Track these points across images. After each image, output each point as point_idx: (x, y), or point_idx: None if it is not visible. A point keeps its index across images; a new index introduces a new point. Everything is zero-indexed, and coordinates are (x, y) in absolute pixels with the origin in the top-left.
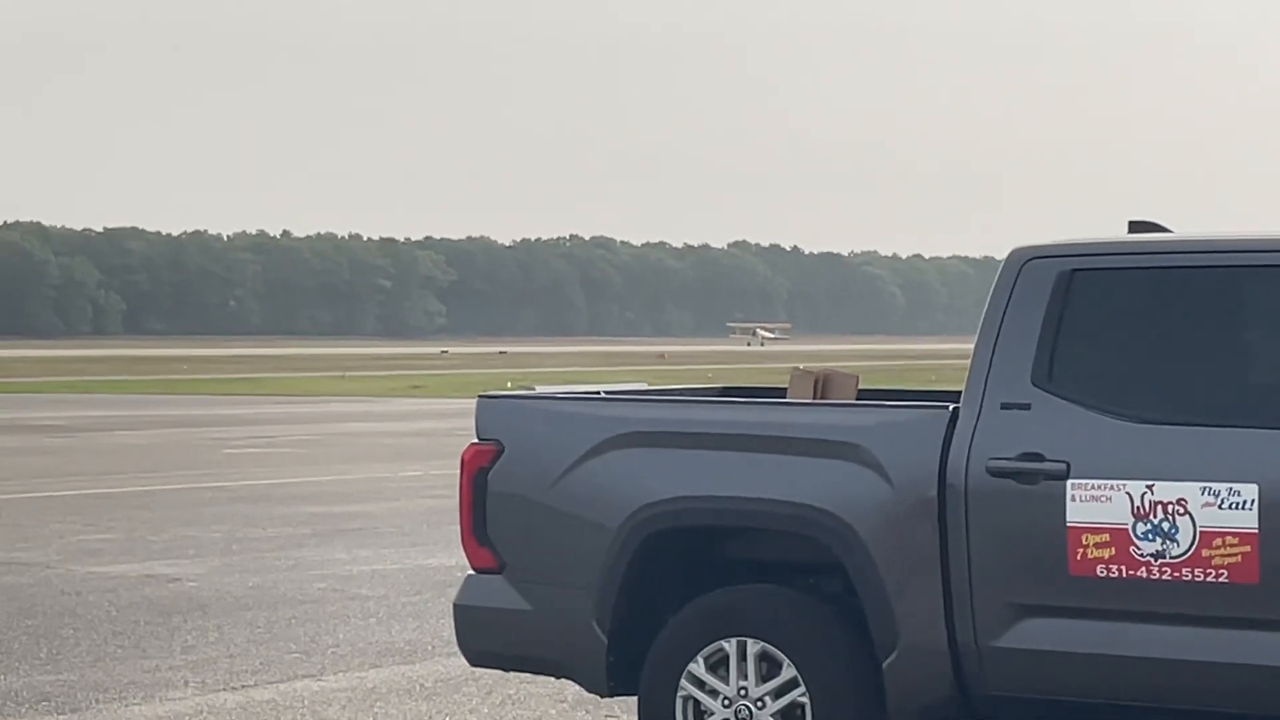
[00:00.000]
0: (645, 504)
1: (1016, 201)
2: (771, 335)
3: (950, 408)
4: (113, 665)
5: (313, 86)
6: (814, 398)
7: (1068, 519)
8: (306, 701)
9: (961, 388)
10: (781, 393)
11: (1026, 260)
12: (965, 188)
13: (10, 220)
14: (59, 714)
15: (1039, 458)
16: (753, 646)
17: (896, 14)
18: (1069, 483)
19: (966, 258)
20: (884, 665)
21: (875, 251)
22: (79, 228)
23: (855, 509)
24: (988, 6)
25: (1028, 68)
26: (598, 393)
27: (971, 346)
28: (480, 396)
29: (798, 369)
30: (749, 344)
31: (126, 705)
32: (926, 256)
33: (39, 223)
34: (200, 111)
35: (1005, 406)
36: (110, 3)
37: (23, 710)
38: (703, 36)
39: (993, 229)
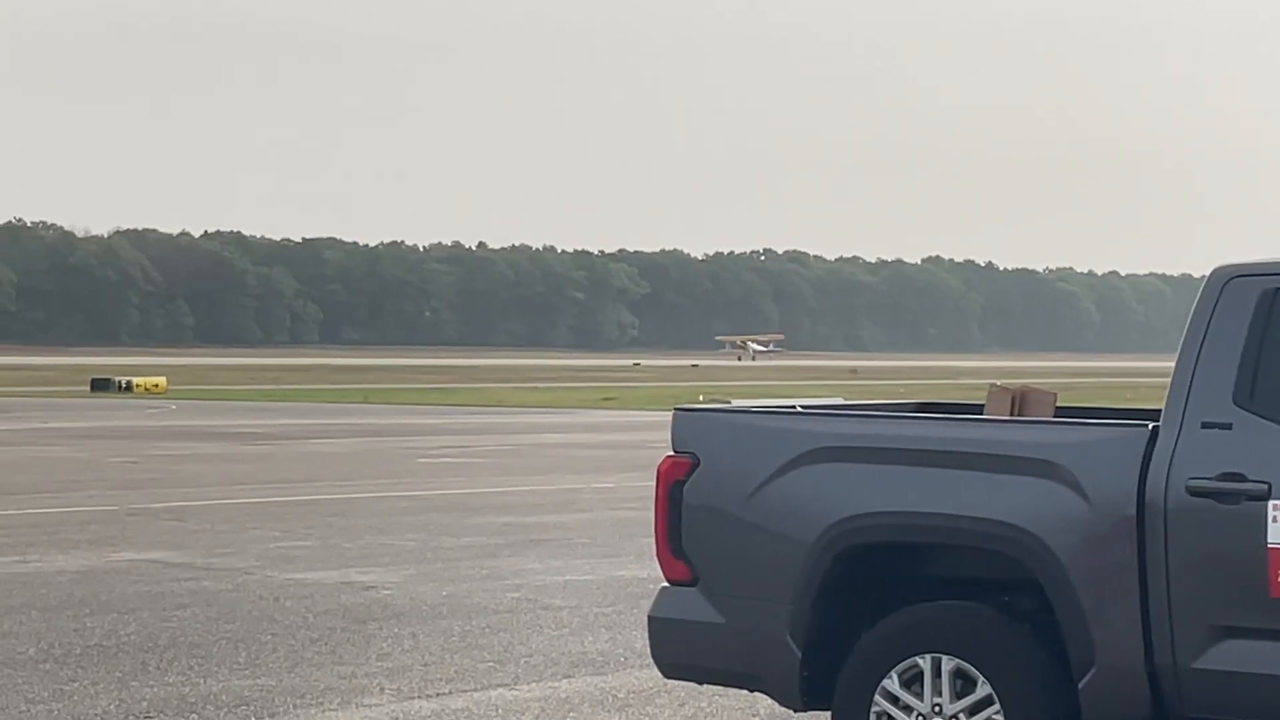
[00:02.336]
0: (840, 519)
1: (1217, 219)
2: (763, 349)
3: (1150, 426)
4: (309, 671)
5: (511, 98)
6: (1011, 414)
7: (1269, 540)
8: (500, 710)
9: (1160, 406)
10: (978, 409)
11: (1229, 279)
12: (1164, 205)
13: (211, 230)
14: (256, 718)
15: (1240, 478)
16: (947, 663)
17: (1089, 24)
18: (1270, 504)
19: (1164, 275)
20: (1080, 685)
21: (1071, 268)
22: (278, 238)
23: (1052, 527)
24: (1190, 12)
25: (1231, 81)
26: (793, 407)
27: (1168, 365)
28: (677, 409)
29: (995, 385)
30: (739, 358)
31: (323, 711)
32: (1123, 274)
33: (239, 232)
34: (397, 123)
35: (1206, 426)
36: (307, 15)
37: (221, 714)
38: (883, 50)
39: (1191, 247)
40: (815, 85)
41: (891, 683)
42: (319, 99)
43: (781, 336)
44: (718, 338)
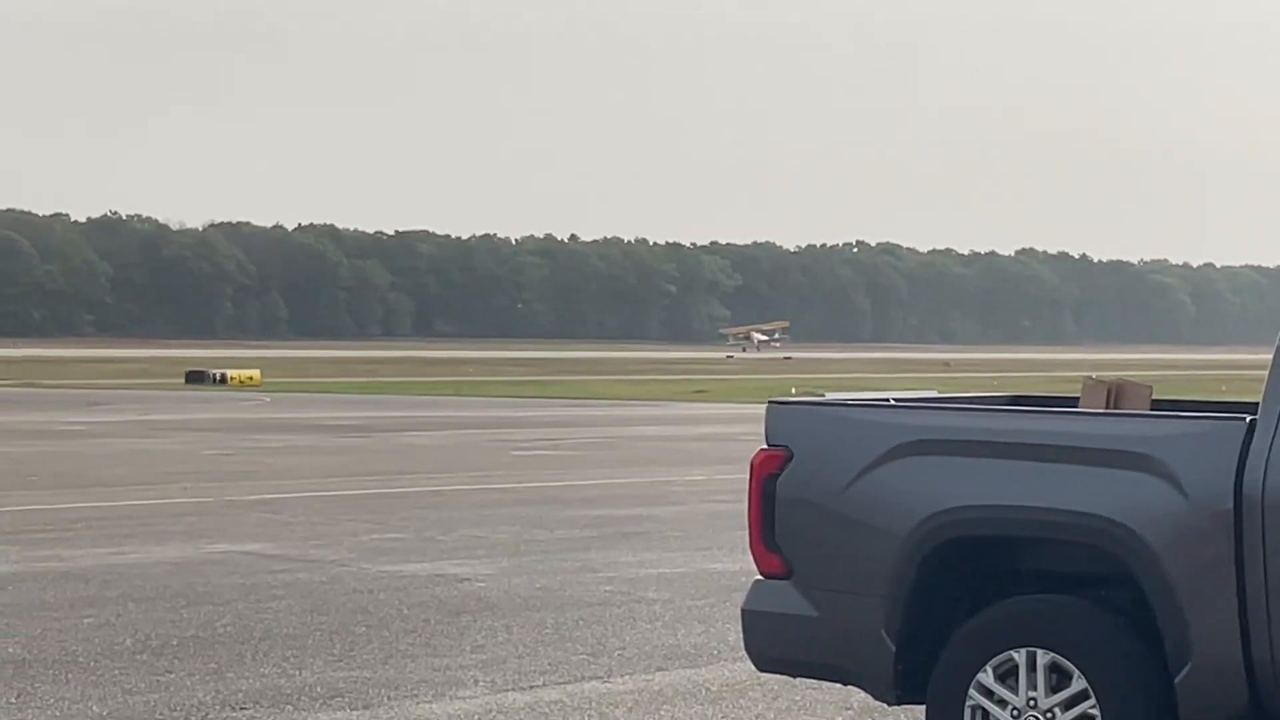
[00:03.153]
0: (935, 512)
1: None
2: (766, 339)
3: (1247, 419)
4: (404, 663)
5: (604, 93)
6: (1107, 408)
7: None
8: (594, 703)
9: (1257, 399)
10: (1073, 402)
11: None
12: (1261, 196)
13: (304, 223)
14: (352, 709)
15: None
16: (1043, 657)
17: (1191, 18)
18: None
19: (1260, 268)
20: (1177, 679)
21: (1165, 260)
22: (371, 230)
23: (1148, 521)
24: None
25: None
26: (887, 400)
27: (1264, 357)
28: (770, 402)
29: (1090, 378)
30: (744, 349)
31: (418, 703)
32: (1218, 266)
33: (332, 225)
34: (488, 117)
35: None
36: (397, 10)
37: (316, 705)
38: (974, 41)
39: None
40: (908, 77)
41: (986, 676)
42: (413, 94)
43: (787, 325)
44: (721, 330)
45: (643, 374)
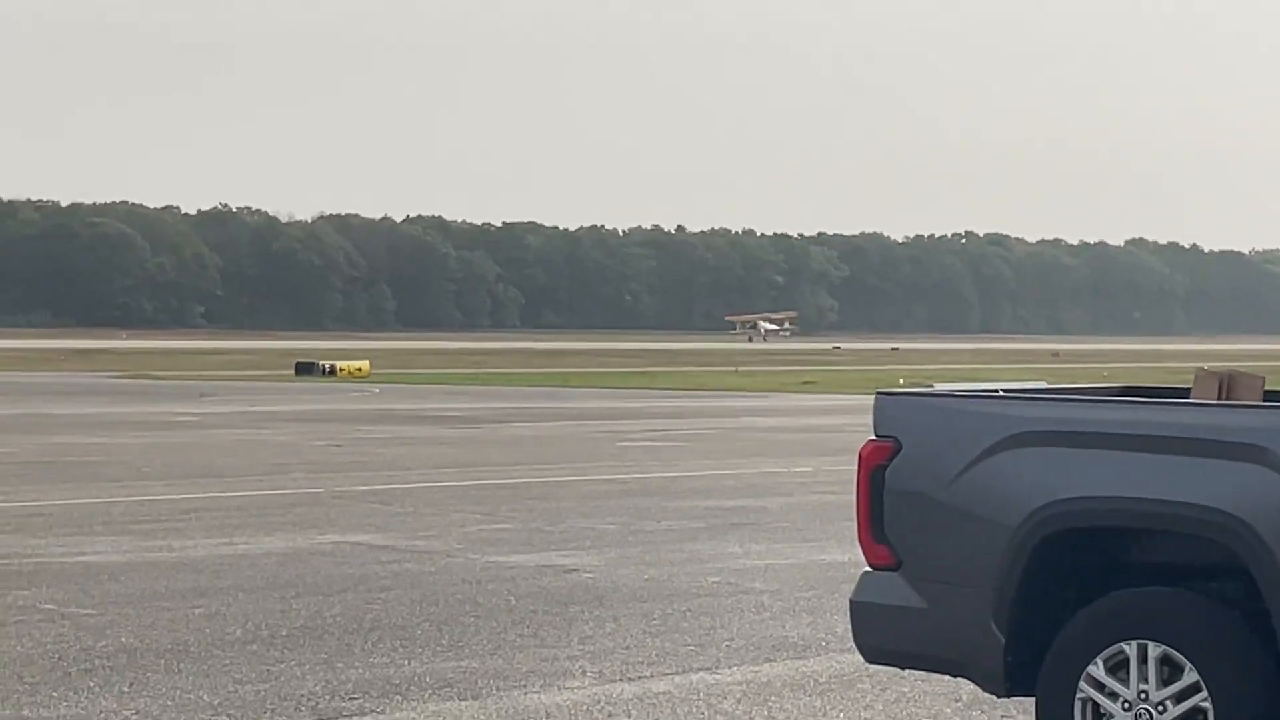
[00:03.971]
0: (1044, 504)
1: None
2: (775, 328)
3: None
4: (512, 654)
5: (713, 84)
6: (1219, 398)
7: None
8: (702, 694)
9: None
10: (1184, 393)
11: None
12: None
13: (413, 214)
14: (460, 700)
15: None
16: (1154, 649)
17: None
18: None
19: None
20: None
21: (1277, 250)
22: (479, 222)
23: (1260, 512)
24: None
25: None
26: (996, 390)
27: None
28: (879, 393)
29: (1203, 369)
30: (750, 339)
31: (526, 693)
32: None
33: (440, 217)
34: (597, 108)
35: None
36: (506, 3)
37: (425, 695)
38: (1083, 32)
39: None
40: (1012, 69)
41: (1097, 669)
42: (519, 85)
43: (795, 314)
44: (727, 317)
45: (749, 365)
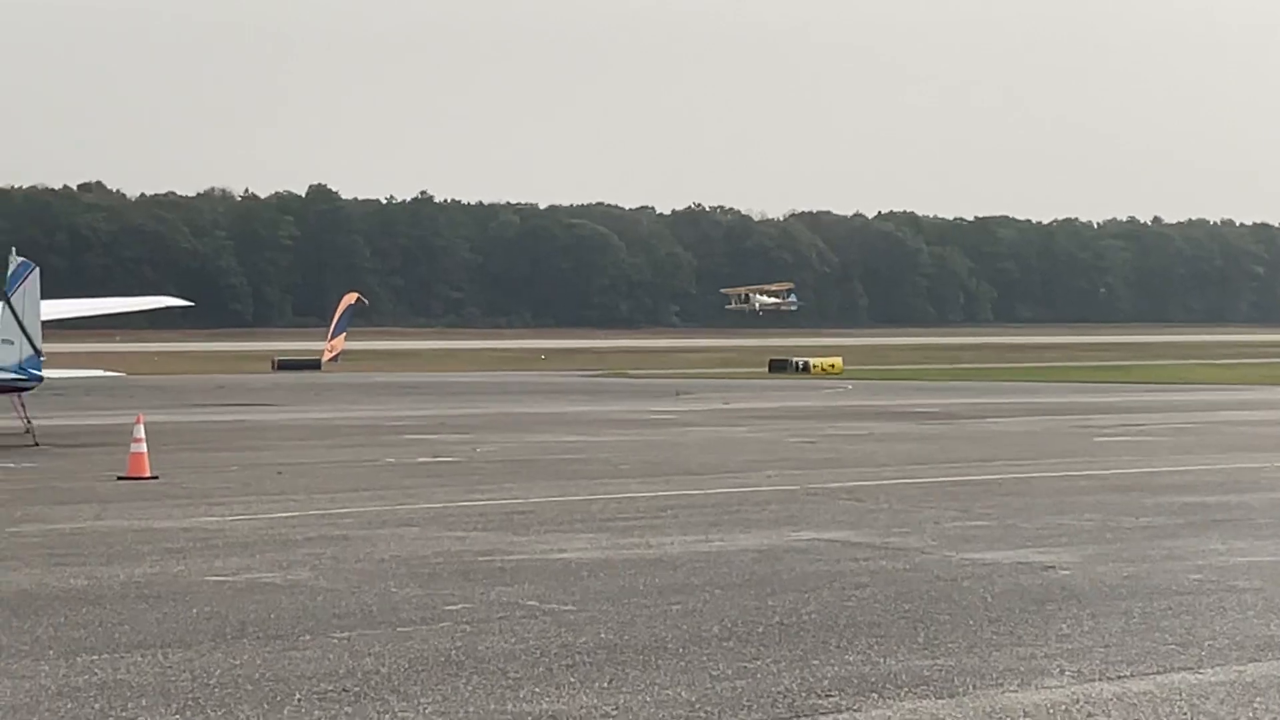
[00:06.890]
0: None
1: None
2: (772, 300)
3: None
4: (988, 652)
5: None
6: None
7: None
8: (1184, 694)
9: None
10: None
11: None
12: None
13: (885, 211)
14: (937, 698)
15: None
16: None
17: None
18: None
19: None
20: None
21: None
22: (950, 217)
23: None
24: None
25: None
26: None
27: None
28: None
29: None
30: (745, 312)
31: (1003, 692)
32: None
33: (912, 212)
34: (1048, 99)
35: None
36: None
37: (901, 692)
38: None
39: None
40: None
41: None
42: (979, 78)
43: (792, 285)
44: (723, 290)
45: (1230, 358)
